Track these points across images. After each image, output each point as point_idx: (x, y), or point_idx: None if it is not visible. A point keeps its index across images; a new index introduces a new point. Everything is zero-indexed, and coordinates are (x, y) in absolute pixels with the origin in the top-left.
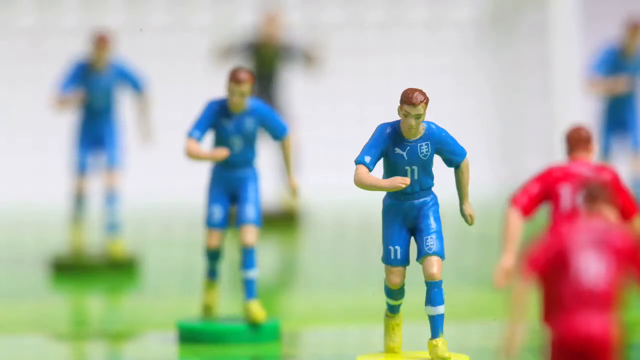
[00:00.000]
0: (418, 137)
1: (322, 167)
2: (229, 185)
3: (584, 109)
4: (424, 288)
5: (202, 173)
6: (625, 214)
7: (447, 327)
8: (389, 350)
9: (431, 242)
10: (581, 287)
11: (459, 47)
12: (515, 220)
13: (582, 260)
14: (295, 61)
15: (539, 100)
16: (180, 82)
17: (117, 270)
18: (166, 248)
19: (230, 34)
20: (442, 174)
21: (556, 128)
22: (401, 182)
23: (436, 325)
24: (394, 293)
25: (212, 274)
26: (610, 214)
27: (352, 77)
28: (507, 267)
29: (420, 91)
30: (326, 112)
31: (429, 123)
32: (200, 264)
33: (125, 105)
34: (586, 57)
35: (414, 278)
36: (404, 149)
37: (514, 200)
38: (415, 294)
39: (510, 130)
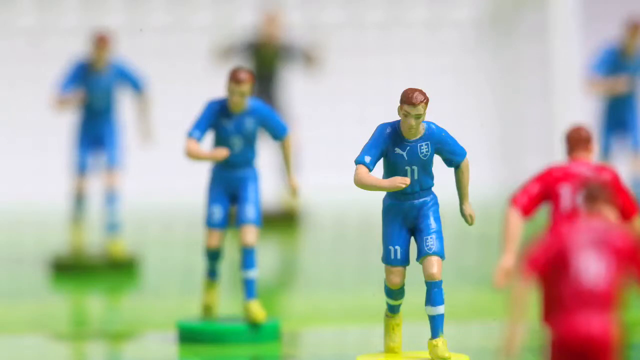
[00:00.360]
0: (418, 137)
1: (322, 167)
2: (229, 185)
3: (584, 109)
4: (424, 288)
5: (202, 173)
6: (625, 214)
7: (447, 327)
8: (389, 350)
9: (431, 242)
10: (581, 287)
11: (459, 47)
12: (515, 220)
13: (582, 260)
14: (295, 61)
15: (539, 100)
16: (180, 82)
17: (117, 270)
18: (166, 248)
19: (230, 34)
20: (442, 174)
21: (556, 128)
22: (401, 182)
23: (436, 325)
24: (394, 293)
25: (212, 274)
26: (610, 214)
27: (352, 77)
28: (507, 267)
29: (420, 91)
30: (326, 112)
31: (429, 123)
32: (200, 264)
33: (125, 105)
34: (586, 57)
35: (414, 278)
36: (404, 149)
37: (514, 200)
38: (415, 294)
39: (510, 130)
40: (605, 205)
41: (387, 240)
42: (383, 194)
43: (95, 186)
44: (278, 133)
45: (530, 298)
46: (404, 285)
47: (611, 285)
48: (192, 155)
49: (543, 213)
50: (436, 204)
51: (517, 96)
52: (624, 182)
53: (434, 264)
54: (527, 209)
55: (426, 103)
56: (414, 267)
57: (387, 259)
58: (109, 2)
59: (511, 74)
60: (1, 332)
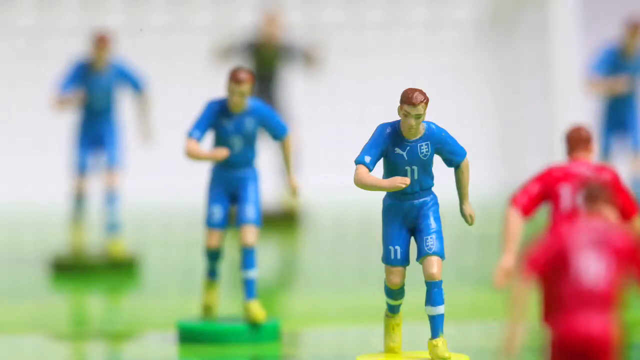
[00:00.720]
0: (418, 137)
1: (322, 167)
2: (229, 185)
3: (584, 109)
4: (424, 288)
5: (202, 173)
6: (625, 214)
7: (447, 327)
8: (389, 350)
9: (431, 242)
10: (581, 287)
11: (459, 47)
12: (515, 220)
13: (582, 260)
14: (295, 61)
15: (539, 100)
16: (180, 82)
17: (117, 270)
18: (166, 248)
19: (230, 34)
20: (442, 174)
21: (556, 128)
22: (401, 182)
23: (436, 325)
24: (394, 293)
25: (212, 274)
26: (610, 214)
27: (352, 77)
28: (507, 267)
29: (420, 91)
30: (326, 112)
31: (429, 123)
32: (200, 264)
33: (125, 105)
34: (586, 57)
35: (414, 278)
36: (404, 149)
37: (514, 200)
38: (415, 294)
39: (510, 130)
40: (605, 205)
41: (387, 240)
42: (383, 194)
43: (95, 186)
44: (278, 133)
45: (530, 298)
46: (404, 285)
47: (611, 285)
48: (192, 155)
49: (543, 213)
50: (436, 204)
51: (517, 96)
52: (624, 182)
53: (434, 264)
54: (527, 209)
55: (426, 103)
56: (414, 267)
57: (387, 259)
58: (109, 2)
59: (511, 74)
60: (1, 332)
